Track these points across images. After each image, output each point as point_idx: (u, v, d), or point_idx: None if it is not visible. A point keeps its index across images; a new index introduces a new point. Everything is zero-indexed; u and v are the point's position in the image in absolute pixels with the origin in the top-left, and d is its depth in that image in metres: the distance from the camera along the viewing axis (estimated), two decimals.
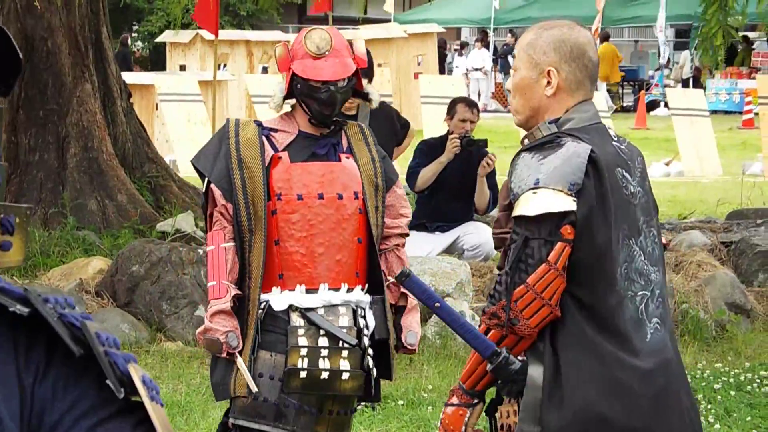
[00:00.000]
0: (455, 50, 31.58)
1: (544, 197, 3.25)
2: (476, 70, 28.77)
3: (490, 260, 9.33)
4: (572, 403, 3.25)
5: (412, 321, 4.54)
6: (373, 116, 7.19)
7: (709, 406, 7.12)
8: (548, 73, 3.40)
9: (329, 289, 4.40)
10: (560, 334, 3.28)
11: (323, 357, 4.32)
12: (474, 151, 8.61)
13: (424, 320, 8.26)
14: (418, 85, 19.35)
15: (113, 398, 1.31)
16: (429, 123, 16.52)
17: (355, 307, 4.42)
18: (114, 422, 1.32)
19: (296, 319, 4.36)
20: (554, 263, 3.24)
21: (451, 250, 9.17)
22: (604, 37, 28.52)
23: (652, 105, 27.43)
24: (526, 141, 3.42)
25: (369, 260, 4.51)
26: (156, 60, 28.88)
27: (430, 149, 8.78)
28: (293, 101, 4.54)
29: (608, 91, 27.93)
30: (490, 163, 8.55)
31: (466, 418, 3.44)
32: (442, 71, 26.83)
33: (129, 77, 14.19)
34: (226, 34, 21.96)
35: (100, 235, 9.49)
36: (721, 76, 28.22)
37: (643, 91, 27.54)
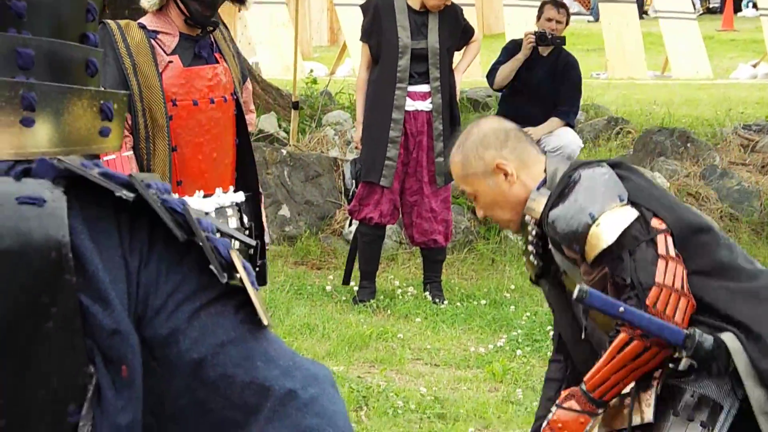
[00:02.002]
0: None
1: (608, 222, 3.27)
2: None
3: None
4: None
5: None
6: (441, 14, 7.12)
7: None
8: (498, 166, 3.43)
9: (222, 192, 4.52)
10: (720, 307, 3.28)
11: None
12: (556, 56, 8.50)
13: None
14: None
15: (214, 282, 1.33)
16: (511, 26, 16.34)
17: (238, 208, 4.53)
18: (216, 305, 1.34)
19: None
20: (667, 253, 3.25)
21: None
22: None
23: (739, 5, 26.87)
24: (528, 218, 3.44)
25: (239, 159, 4.61)
26: None
27: (515, 48, 8.69)
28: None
29: None
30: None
31: (588, 427, 3.36)
32: None
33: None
34: None
35: None
36: None
37: None
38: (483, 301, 7.14)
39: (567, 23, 8.60)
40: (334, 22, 20.36)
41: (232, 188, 4.59)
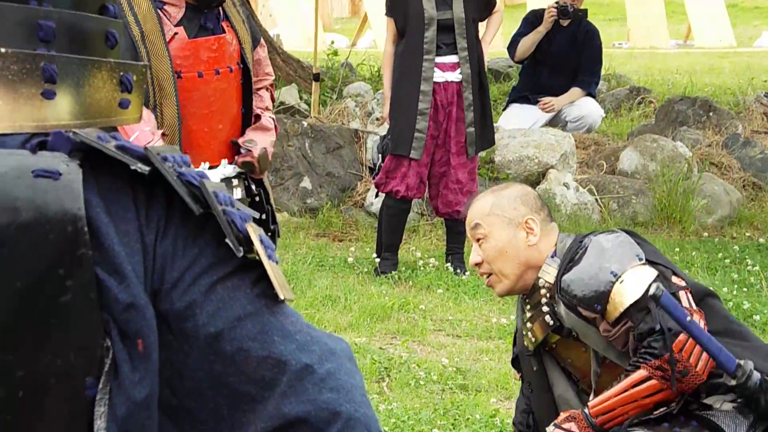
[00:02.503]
0: None
1: (630, 280, 3.33)
2: None
3: (594, 132, 9.25)
4: None
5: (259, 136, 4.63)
6: None
7: None
8: (527, 222, 3.51)
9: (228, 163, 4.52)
10: (737, 340, 3.38)
11: None
12: (576, 26, 8.48)
13: None
14: None
15: (231, 256, 1.32)
16: None
17: (244, 177, 4.54)
18: (233, 279, 1.33)
19: None
20: (690, 306, 3.31)
21: (554, 122, 9.11)
22: None
23: None
24: (541, 281, 3.49)
25: (244, 128, 4.62)
26: None
27: (535, 19, 8.67)
28: None
29: None
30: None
31: None
32: None
33: None
34: None
35: None
36: None
37: None
38: None
39: None
40: None
41: (230, 161, 4.60)
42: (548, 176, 8.28)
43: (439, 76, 7.00)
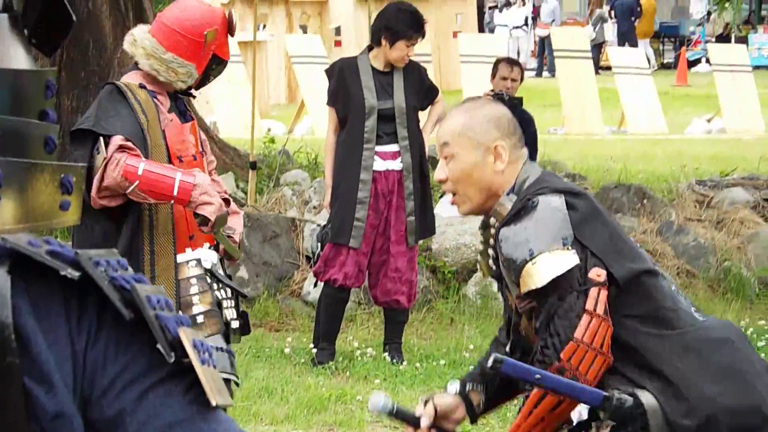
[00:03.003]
0: (491, 8, 31.38)
1: (546, 263, 3.25)
2: (516, 28, 28.57)
3: None
4: (700, 405, 3.24)
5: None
6: (405, 73, 7.16)
7: None
8: (495, 148, 3.41)
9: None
10: (646, 355, 3.28)
11: (227, 308, 4.69)
12: (512, 111, 8.55)
13: (464, 280, 8.27)
14: (456, 44, 19.27)
15: (164, 362, 1.31)
16: (469, 82, 16.45)
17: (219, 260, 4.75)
18: (165, 386, 1.32)
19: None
20: (594, 310, 3.22)
21: None
22: None
23: (693, 61, 27.18)
24: (492, 220, 3.42)
25: None
26: None
27: None
28: (149, 62, 4.62)
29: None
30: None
31: None
32: (481, 30, 26.68)
33: None
34: None
35: None
36: (764, 30, 27.91)
37: (684, 47, 27.30)
38: (442, 362, 7.13)
39: (521, 80, 8.64)
40: (292, 80, 20.42)
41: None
42: None
43: (380, 164, 7.03)
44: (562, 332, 3.22)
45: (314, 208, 8.90)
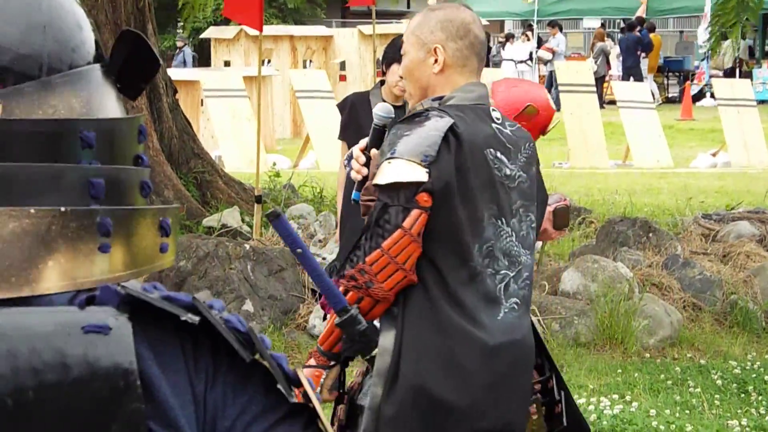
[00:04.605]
0: (500, 43, 31.50)
1: (397, 167, 3.35)
2: (521, 62, 28.66)
3: (535, 252, 9.30)
4: (406, 376, 3.33)
5: None
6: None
7: (759, 398, 7.06)
8: (435, 50, 3.49)
9: None
10: (411, 300, 3.37)
11: None
12: None
13: None
14: None
15: (281, 401, 1.32)
16: None
17: None
18: (284, 425, 1.33)
19: None
20: (409, 229, 3.34)
21: None
22: (651, 28, 28.34)
23: (698, 96, 27.24)
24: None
25: None
26: (201, 56, 28.99)
27: None
28: None
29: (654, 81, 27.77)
30: None
31: (322, 380, 3.52)
32: (486, 64, 26.75)
33: (174, 73, 14.26)
34: (270, 29, 22.01)
35: None
36: None
37: (688, 82, 27.35)
38: None
39: None
40: (297, 115, 20.47)
41: None
42: None
43: None
44: (374, 239, 3.35)
45: (320, 241, 8.90)
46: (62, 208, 1.25)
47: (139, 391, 1.24)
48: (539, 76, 29.48)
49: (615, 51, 28.04)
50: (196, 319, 1.29)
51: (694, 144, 19.83)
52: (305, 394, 1.34)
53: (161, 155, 10.12)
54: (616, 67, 27.65)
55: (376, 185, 3.40)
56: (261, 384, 1.33)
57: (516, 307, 3.45)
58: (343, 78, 22.49)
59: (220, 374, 1.33)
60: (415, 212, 3.33)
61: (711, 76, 27.24)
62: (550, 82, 26.70)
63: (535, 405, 3.63)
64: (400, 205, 3.34)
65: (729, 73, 28.80)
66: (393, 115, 3.59)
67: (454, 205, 3.35)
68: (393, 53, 7.06)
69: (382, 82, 7.16)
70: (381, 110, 3.64)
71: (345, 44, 23.02)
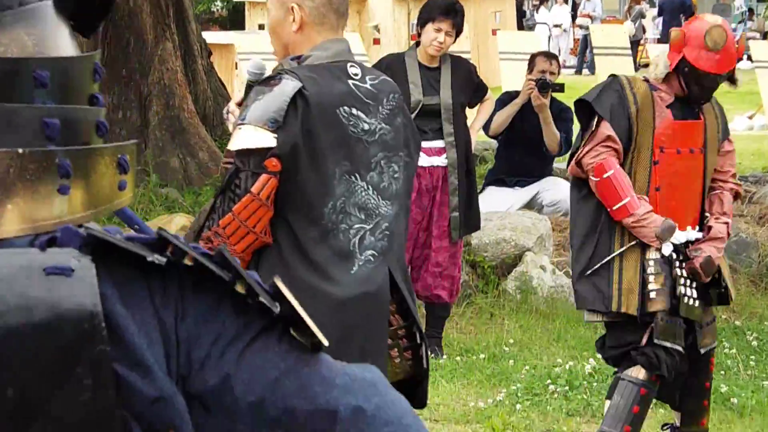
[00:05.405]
0: (534, 6, 31.30)
1: (246, 133, 3.44)
2: (556, 26, 28.47)
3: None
4: None
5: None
6: (453, 69, 7.16)
7: None
8: (291, 9, 3.57)
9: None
10: (264, 260, 3.46)
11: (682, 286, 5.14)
12: (550, 103, 8.49)
13: (504, 275, 8.25)
14: (496, 41, 19.23)
15: (254, 320, 1.30)
16: (507, 79, 16.40)
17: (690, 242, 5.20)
18: (259, 342, 1.30)
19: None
20: (257, 194, 3.42)
21: (530, 205, 9.13)
22: None
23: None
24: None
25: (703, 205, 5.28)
26: (235, 19, 28.99)
27: (509, 100, 8.70)
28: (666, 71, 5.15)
29: None
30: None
31: None
32: (520, 27, 26.62)
33: (209, 36, 14.26)
34: None
35: (182, 193, 9.58)
36: None
37: None
38: (482, 355, 7.11)
39: (558, 74, 8.59)
40: None
41: (693, 228, 5.21)
42: (525, 259, 8.28)
43: (425, 160, 6.90)
44: (227, 202, 3.44)
45: None
46: (20, 150, 1.23)
47: (104, 333, 1.22)
48: (574, 39, 29.32)
49: (650, 14, 27.81)
50: (163, 260, 1.27)
51: (731, 106, 19.64)
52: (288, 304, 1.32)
53: (196, 117, 10.14)
54: (651, 30, 27.43)
55: (230, 151, 3.48)
56: (231, 307, 1.31)
57: (372, 258, 3.53)
58: (377, 41, 22.45)
59: (189, 304, 1.30)
60: (263, 177, 3.42)
61: (748, 38, 26.99)
62: (585, 45, 26.55)
63: (396, 349, 3.68)
64: (250, 170, 3.42)
65: (767, 36, 28.52)
66: (264, 71, 3.65)
67: (302, 167, 3.44)
68: (428, 14, 7.04)
69: (417, 44, 7.13)
70: (253, 66, 3.71)
71: (379, 7, 22.95)
